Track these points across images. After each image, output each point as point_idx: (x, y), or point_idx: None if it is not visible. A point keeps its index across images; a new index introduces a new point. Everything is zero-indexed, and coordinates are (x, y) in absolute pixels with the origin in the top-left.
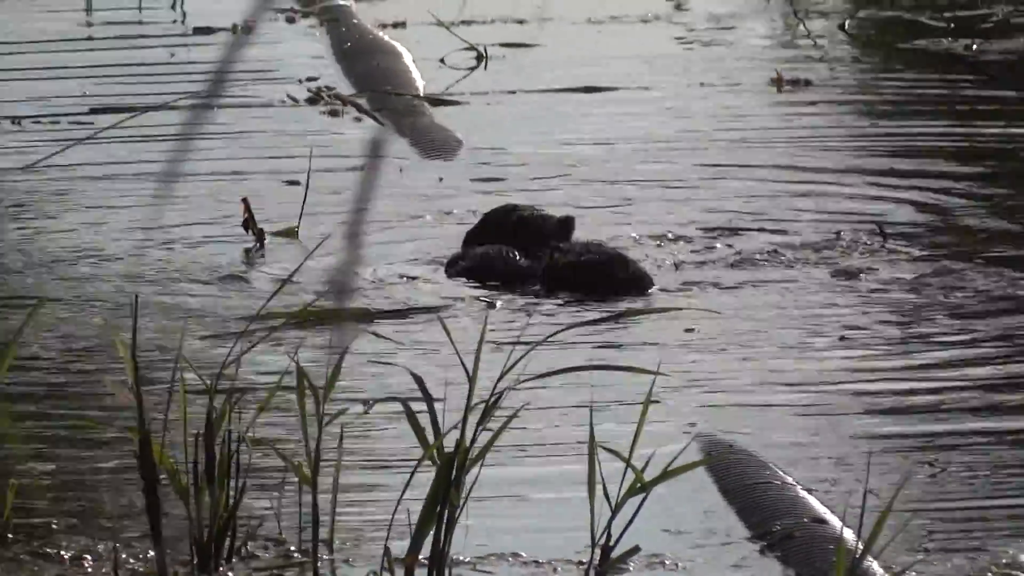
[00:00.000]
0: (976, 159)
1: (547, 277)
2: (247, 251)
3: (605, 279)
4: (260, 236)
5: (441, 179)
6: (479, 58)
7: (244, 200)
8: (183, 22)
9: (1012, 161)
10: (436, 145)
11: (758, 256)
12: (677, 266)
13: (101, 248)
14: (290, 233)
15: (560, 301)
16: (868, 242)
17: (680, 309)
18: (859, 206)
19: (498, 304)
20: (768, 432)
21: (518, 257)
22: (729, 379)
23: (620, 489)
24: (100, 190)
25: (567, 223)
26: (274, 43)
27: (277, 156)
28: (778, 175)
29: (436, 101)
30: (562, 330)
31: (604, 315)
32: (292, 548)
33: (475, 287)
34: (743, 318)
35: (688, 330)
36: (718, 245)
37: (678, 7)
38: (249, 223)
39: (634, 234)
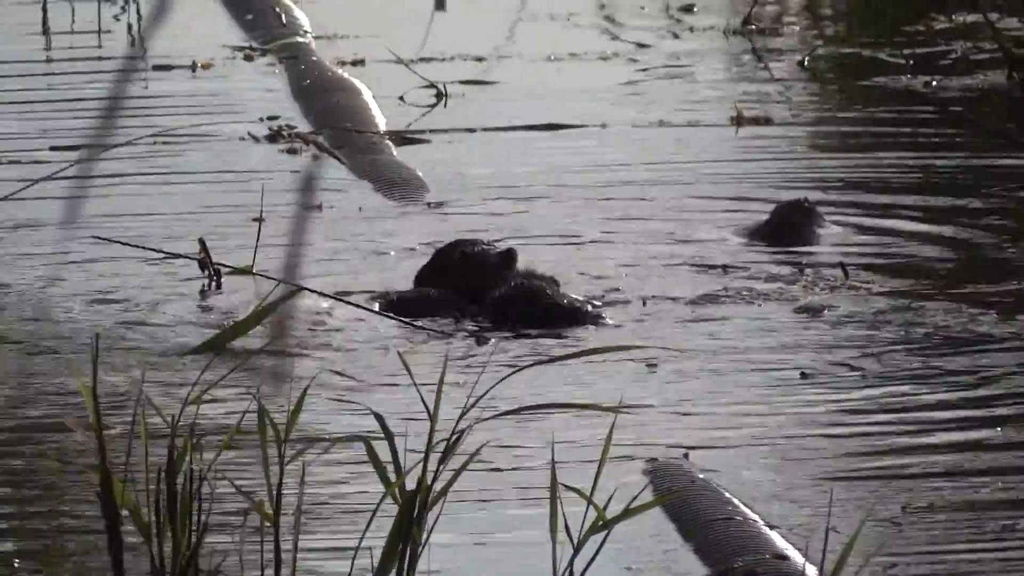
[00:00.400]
0: (937, 195)
1: (491, 311)
2: (202, 291)
3: (535, 309)
4: (216, 275)
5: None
6: (439, 95)
7: (200, 240)
8: (143, 58)
9: (971, 197)
10: (399, 184)
11: (720, 292)
12: (644, 301)
13: (59, 287)
14: (246, 271)
15: (514, 335)
16: (830, 278)
17: (640, 347)
18: (821, 243)
19: (490, 341)
20: (732, 468)
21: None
22: (692, 415)
23: (582, 527)
24: (56, 230)
25: (509, 256)
26: (234, 81)
27: (237, 192)
28: (739, 209)
29: (400, 138)
30: (525, 367)
31: (568, 352)
32: None
33: (431, 321)
34: (705, 354)
35: (650, 366)
36: (680, 280)
37: (639, 45)
38: (206, 262)
39: (594, 271)
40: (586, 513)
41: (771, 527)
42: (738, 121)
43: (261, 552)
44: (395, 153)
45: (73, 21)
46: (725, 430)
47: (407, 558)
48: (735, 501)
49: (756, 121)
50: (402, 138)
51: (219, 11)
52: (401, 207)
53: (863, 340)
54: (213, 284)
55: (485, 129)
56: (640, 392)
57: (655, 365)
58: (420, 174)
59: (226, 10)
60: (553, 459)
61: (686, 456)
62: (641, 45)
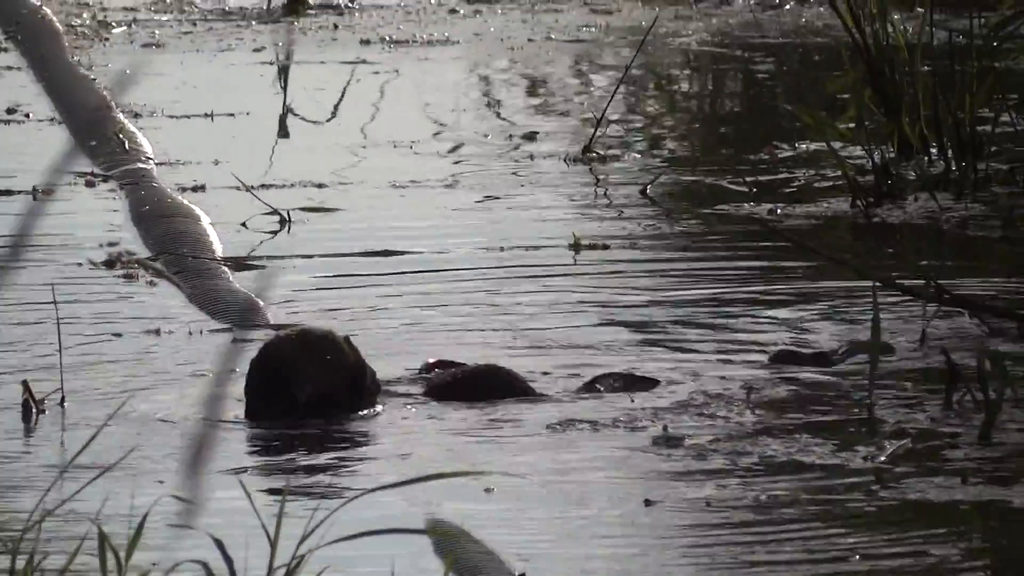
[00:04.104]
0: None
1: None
2: (26, 427)
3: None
4: (39, 411)
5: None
6: (282, 222)
7: (24, 382)
8: None
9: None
10: (232, 308)
11: (571, 421)
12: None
13: None
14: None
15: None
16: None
17: (481, 473)
18: (661, 371)
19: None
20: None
21: None
22: (535, 531)
23: None
24: None
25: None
26: (74, 207)
27: (69, 322)
28: (576, 339)
29: (236, 265)
30: (366, 492)
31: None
32: None
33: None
34: (542, 482)
35: (487, 490)
36: (532, 409)
37: (482, 164)
38: (31, 403)
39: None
40: None
41: None
42: (576, 247)
43: None
44: (231, 279)
45: None
46: (574, 547)
47: None
48: None
49: (594, 247)
50: (239, 264)
51: (64, 137)
52: (235, 332)
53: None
54: (33, 423)
55: (322, 256)
56: (484, 515)
57: (491, 488)
58: (256, 298)
59: (70, 136)
60: None
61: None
62: (485, 167)
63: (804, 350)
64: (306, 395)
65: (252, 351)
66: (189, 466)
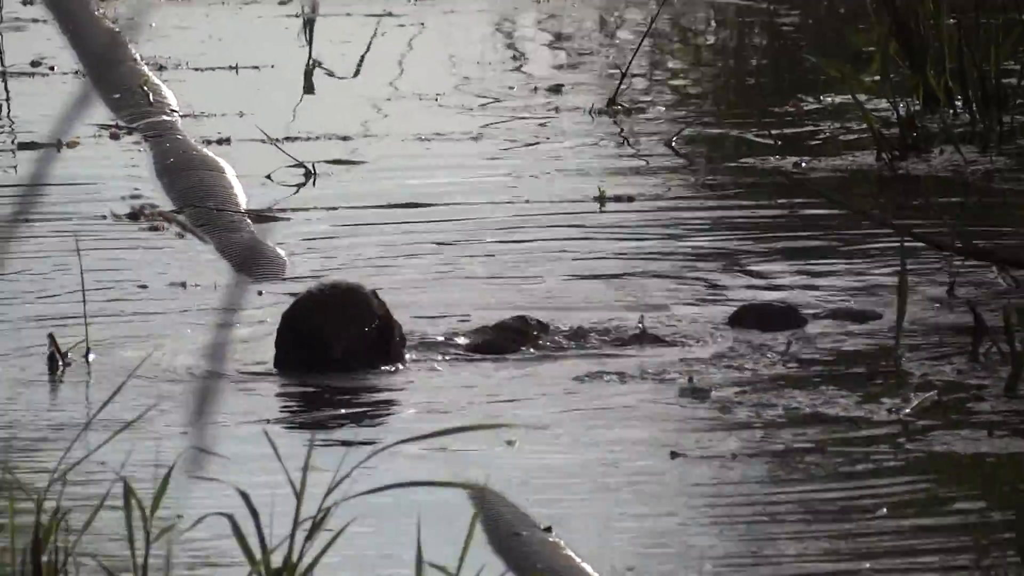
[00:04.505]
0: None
1: None
2: (51, 379)
3: None
4: (64, 363)
5: (261, 293)
6: (307, 175)
7: (50, 335)
8: (12, 140)
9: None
10: (258, 263)
11: (599, 373)
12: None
13: None
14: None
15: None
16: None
17: (507, 426)
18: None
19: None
20: (602, 538)
21: None
22: (561, 485)
23: None
24: None
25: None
26: (98, 159)
27: (94, 276)
28: (606, 289)
29: (258, 217)
30: (392, 445)
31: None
32: None
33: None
34: (569, 433)
35: (509, 442)
36: (559, 362)
37: (508, 117)
38: (56, 355)
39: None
40: None
41: None
42: (601, 200)
43: None
44: (255, 231)
45: None
46: (597, 504)
47: None
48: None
49: (619, 199)
50: (263, 216)
51: (89, 89)
52: (259, 285)
53: (747, 422)
54: (60, 372)
55: (348, 207)
56: (506, 463)
57: (513, 441)
58: (281, 252)
59: (94, 89)
60: (418, 538)
61: (549, 530)
62: (511, 119)
63: (775, 303)
64: (341, 349)
65: (279, 303)
66: (194, 417)
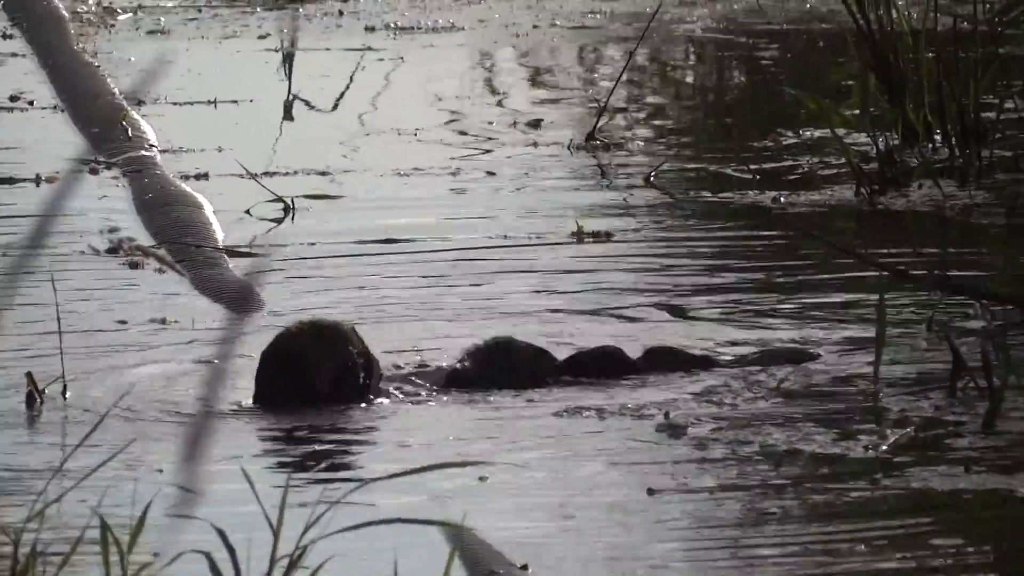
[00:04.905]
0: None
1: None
2: (29, 416)
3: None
4: (41, 400)
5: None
6: (286, 209)
7: (28, 374)
8: None
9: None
10: (235, 298)
11: (576, 408)
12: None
13: None
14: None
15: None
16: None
17: (481, 463)
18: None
19: None
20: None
21: None
22: (528, 528)
23: None
24: None
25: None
26: (77, 194)
27: (72, 311)
28: (582, 327)
29: (234, 253)
30: (369, 482)
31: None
32: None
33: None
34: (545, 470)
35: (481, 478)
36: (535, 398)
37: (486, 151)
38: (34, 392)
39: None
40: None
41: None
42: (579, 236)
43: None
44: (232, 267)
45: None
46: (569, 545)
47: None
48: None
49: (597, 235)
50: (240, 252)
51: (68, 124)
52: (236, 319)
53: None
54: (37, 411)
55: (327, 242)
56: (481, 505)
57: (486, 477)
58: (256, 287)
59: (73, 124)
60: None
61: (525, 568)
62: (489, 153)
63: (688, 351)
64: (321, 385)
65: (258, 339)
66: (187, 454)
